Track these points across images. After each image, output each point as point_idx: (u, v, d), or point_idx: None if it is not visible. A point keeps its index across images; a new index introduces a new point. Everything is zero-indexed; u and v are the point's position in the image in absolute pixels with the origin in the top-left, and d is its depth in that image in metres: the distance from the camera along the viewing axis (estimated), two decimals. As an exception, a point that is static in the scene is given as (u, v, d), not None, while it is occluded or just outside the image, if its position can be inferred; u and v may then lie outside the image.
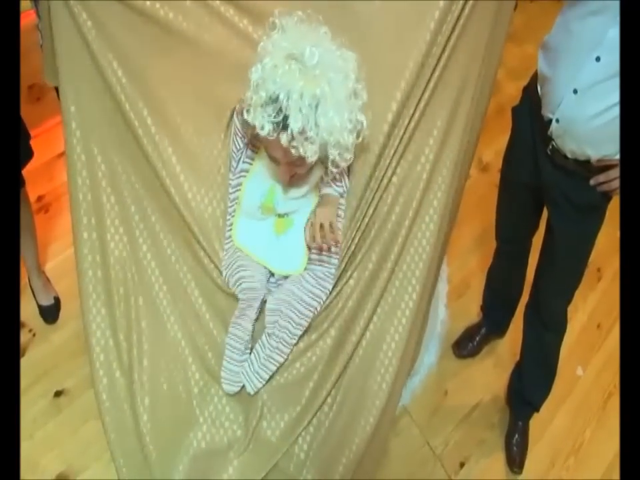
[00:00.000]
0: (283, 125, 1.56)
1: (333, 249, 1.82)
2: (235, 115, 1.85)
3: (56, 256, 3.11)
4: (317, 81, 1.57)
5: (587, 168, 2.04)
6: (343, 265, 1.83)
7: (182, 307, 1.89)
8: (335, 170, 1.73)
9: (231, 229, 1.87)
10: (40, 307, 2.99)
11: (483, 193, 3.52)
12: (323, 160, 1.72)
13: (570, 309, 2.57)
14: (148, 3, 1.76)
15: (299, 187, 1.84)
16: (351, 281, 1.86)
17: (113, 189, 1.89)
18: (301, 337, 1.82)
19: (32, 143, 2.51)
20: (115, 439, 1.84)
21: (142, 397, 1.84)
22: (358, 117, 1.67)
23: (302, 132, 1.56)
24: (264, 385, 1.81)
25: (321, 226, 1.77)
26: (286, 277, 1.87)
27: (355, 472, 1.83)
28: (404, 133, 1.80)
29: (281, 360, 1.81)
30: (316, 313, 1.82)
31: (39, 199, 3.29)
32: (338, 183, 1.83)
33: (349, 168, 1.83)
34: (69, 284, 3.00)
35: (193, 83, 1.87)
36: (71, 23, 1.75)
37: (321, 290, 1.82)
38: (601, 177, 2.03)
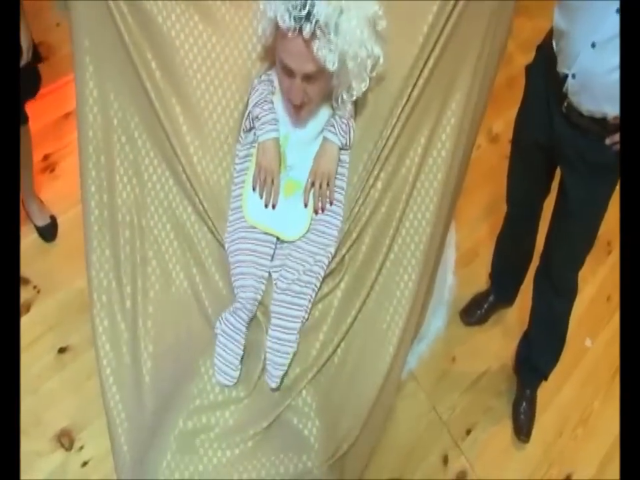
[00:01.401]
0: (307, 17, 1.53)
1: (335, 208, 1.80)
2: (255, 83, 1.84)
3: (61, 214, 3.07)
4: None
5: (602, 126, 2.01)
6: (347, 226, 1.81)
7: (188, 256, 1.87)
8: (345, 103, 1.74)
9: (238, 200, 1.83)
10: (38, 228, 3.03)
11: (493, 164, 3.49)
12: (335, 89, 1.72)
13: (579, 280, 2.56)
14: None
15: (308, 129, 1.82)
16: (355, 244, 1.83)
17: (123, 129, 1.86)
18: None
19: (40, 101, 2.51)
20: (112, 384, 1.83)
21: (146, 343, 1.82)
22: (375, 48, 1.66)
23: (325, 26, 1.54)
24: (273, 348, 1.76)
25: (320, 184, 1.77)
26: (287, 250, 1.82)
27: (360, 431, 1.81)
28: (406, 102, 1.80)
29: (294, 338, 1.75)
30: (320, 278, 1.78)
31: (45, 157, 3.25)
32: (343, 133, 1.79)
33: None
34: (75, 242, 2.98)
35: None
36: None
37: (323, 254, 1.79)
38: (617, 136, 1.99)
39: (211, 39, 1.84)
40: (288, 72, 1.66)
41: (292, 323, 1.75)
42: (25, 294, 2.87)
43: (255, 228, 1.80)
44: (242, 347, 1.75)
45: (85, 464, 2.54)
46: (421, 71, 1.79)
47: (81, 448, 2.57)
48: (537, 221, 2.70)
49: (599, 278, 3.32)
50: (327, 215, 1.81)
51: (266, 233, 1.80)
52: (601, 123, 2.00)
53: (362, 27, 1.61)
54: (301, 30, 1.55)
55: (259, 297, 1.77)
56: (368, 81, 1.73)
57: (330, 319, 1.81)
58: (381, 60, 1.71)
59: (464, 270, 3.21)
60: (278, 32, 1.64)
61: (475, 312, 3.06)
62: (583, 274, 2.57)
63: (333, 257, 1.79)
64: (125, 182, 1.88)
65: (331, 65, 1.59)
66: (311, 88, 1.68)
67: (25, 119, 2.62)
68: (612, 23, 1.80)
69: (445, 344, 3.01)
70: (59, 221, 3.07)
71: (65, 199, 3.10)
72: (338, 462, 1.76)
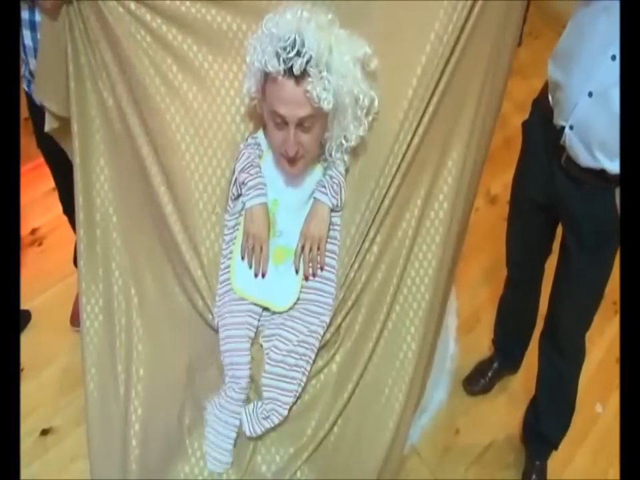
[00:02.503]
0: (296, 55, 1.49)
1: (327, 273, 1.73)
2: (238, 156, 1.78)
3: (47, 289, 2.99)
4: (330, 30, 1.56)
5: (603, 178, 1.93)
6: (342, 294, 1.72)
7: (179, 337, 1.81)
8: (342, 154, 1.70)
9: (226, 272, 1.76)
10: None
11: (492, 226, 3.42)
12: (329, 141, 1.68)
13: (587, 342, 2.44)
14: None
15: (299, 191, 1.75)
16: (351, 312, 1.74)
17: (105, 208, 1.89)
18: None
19: (28, 174, 2.44)
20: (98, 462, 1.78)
21: (134, 423, 1.76)
22: (369, 89, 1.63)
23: (317, 64, 1.49)
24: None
25: (310, 248, 1.70)
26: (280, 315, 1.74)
27: None
28: (401, 159, 1.72)
29: (285, 412, 1.66)
30: (315, 350, 1.69)
31: (33, 231, 3.20)
32: (334, 193, 1.71)
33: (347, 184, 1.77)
34: (60, 320, 2.90)
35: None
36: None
37: (318, 324, 1.70)
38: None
39: (196, 98, 1.79)
40: (280, 122, 1.59)
41: (285, 397, 1.65)
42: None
43: (244, 300, 1.71)
44: (235, 431, 1.66)
45: None
46: (416, 128, 1.72)
47: (64, 536, 2.43)
48: (539, 283, 2.61)
49: (607, 339, 3.19)
50: (319, 281, 1.73)
51: (255, 304, 1.72)
52: (601, 174, 1.92)
53: (354, 63, 1.57)
54: (291, 70, 1.50)
55: (248, 375, 1.67)
56: (366, 125, 1.68)
57: (326, 395, 1.72)
58: (376, 102, 1.66)
59: (466, 337, 3.10)
60: (267, 81, 1.57)
61: (478, 380, 2.93)
62: (590, 335, 2.45)
63: (328, 327, 1.70)
64: (122, 254, 1.88)
65: (326, 103, 1.53)
66: (306, 137, 1.61)
67: None
68: (607, 70, 1.75)
69: (447, 415, 2.87)
70: (44, 297, 2.98)
71: (51, 273, 3.04)
72: None
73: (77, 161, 1.84)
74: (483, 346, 3.04)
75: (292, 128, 1.58)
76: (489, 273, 3.29)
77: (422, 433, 2.77)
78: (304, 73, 1.50)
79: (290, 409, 1.67)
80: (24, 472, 2.54)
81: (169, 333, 1.81)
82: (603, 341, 3.18)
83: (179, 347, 1.79)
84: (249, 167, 1.74)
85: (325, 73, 1.51)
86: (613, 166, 1.88)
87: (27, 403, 2.69)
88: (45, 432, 2.66)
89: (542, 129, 2.09)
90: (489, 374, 2.92)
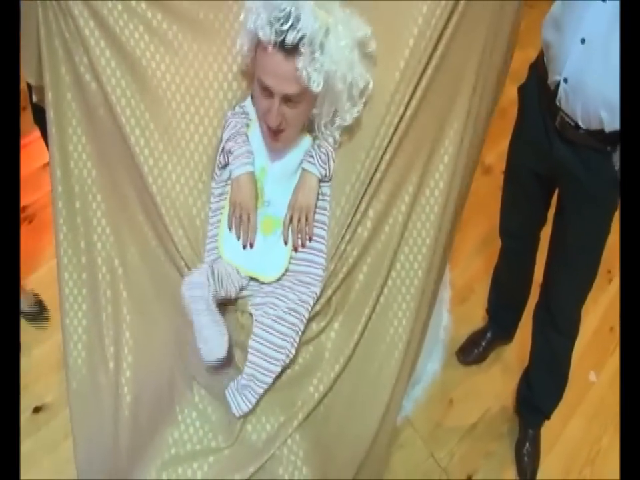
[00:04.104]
0: (290, 30, 1.45)
1: (316, 244, 1.71)
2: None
3: (40, 267, 2.98)
4: (330, 11, 1.52)
5: (600, 139, 1.91)
6: (332, 266, 1.70)
7: (168, 303, 1.78)
8: (332, 132, 1.67)
9: (213, 241, 1.74)
10: (23, 314, 2.85)
11: (486, 196, 3.37)
12: (318, 117, 1.65)
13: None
14: None
15: (287, 160, 1.72)
16: (343, 285, 1.73)
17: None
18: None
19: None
20: (85, 441, 1.80)
21: (125, 394, 1.77)
22: (364, 72, 1.60)
23: (310, 43, 1.45)
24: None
25: (298, 219, 1.68)
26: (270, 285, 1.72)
27: (355, 475, 1.72)
28: (393, 132, 1.71)
29: (269, 380, 1.65)
30: (304, 320, 1.66)
31: (23, 209, 3.18)
32: (322, 163, 1.69)
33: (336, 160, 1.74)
34: (50, 295, 2.89)
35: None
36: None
37: (308, 294, 1.68)
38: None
39: (187, 57, 1.75)
40: (266, 92, 1.56)
41: (271, 364, 1.63)
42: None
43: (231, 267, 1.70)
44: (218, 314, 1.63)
45: (60, 529, 2.40)
46: (408, 100, 1.70)
47: (56, 512, 2.43)
48: (534, 253, 2.60)
49: (601, 308, 3.19)
50: (309, 252, 1.71)
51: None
52: (598, 135, 1.90)
53: (351, 48, 1.53)
54: (282, 44, 1.46)
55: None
56: (360, 106, 1.65)
57: (317, 366, 1.71)
58: (370, 85, 1.64)
59: (459, 308, 3.09)
60: (258, 46, 1.54)
61: (472, 351, 2.92)
62: (584, 305, 2.44)
63: (318, 298, 1.69)
64: (103, 225, 1.84)
65: (315, 85, 1.50)
66: (290, 112, 1.58)
67: None
68: (598, 13, 1.73)
69: (441, 387, 2.87)
70: (38, 275, 2.97)
71: (42, 251, 3.03)
72: None
73: (52, 131, 1.80)
74: (476, 317, 3.03)
75: (277, 101, 1.55)
76: (483, 244, 3.27)
77: (416, 404, 2.78)
78: (295, 49, 1.46)
79: (279, 378, 1.66)
80: (16, 450, 2.56)
81: (156, 303, 1.79)
82: (597, 309, 3.17)
83: (167, 316, 1.78)
84: (235, 136, 1.71)
85: (317, 54, 1.48)
86: (609, 122, 1.85)
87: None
88: (37, 409, 2.66)
89: (538, 92, 2.07)
90: (483, 344, 2.92)
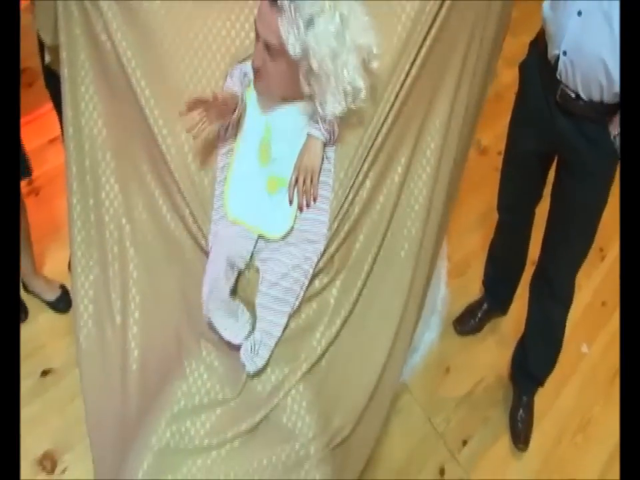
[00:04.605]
0: None
1: (320, 204, 1.77)
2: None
3: (44, 237, 3.03)
4: (348, 8, 1.58)
5: (599, 110, 1.98)
6: (335, 225, 1.77)
7: (175, 263, 1.85)
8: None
9: (220, 198, 1.79)
10: (49, 303, 2.89)
11: (482, 176, 3.47)
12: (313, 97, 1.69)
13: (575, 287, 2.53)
14: None
15: (289, 120, 1.78)
16: (346, 243, 1.80)
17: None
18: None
19: (24, 127, 2.43)
20: (94, 394, 1.86)
21: (133, 342, 1.82)
22: (358, 78, 1.65)
23: (298, 8, 1.51)
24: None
25: (303, 180, 1.73)
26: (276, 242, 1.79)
27: (353, 428, 1.78)
28: (394, 99, 1.78)
29: (279, 333, 1.73)
30: (308, 276, 1.74)
31: (30, 182, 3.22)
32: (327, 128, 1.75)
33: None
34: (58, 264, 2.96)
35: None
36: None
37: (312, 252, 1.75)
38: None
39: (196, 17, 1.82)
40: (257, 36, 1.63)
41: (278, 318, 1.72)
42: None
43: (237, 225, 1.76)
44: (238, 305, 1.73)
45: (68, 487, 2.46)
46: (409, 67, 1.78)
47: (64, 470, 2.50)
48: (530, 229, 2.68)
49: (594, 284, 3.27)
50: (313, 212, 1.77)
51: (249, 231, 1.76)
52: (598, 107, 1.98)
53: (339, 40, 1.58)
54: None
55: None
56: (344, 107, 1.68)
57: (319, 322, 1.78)
58: (362, 94, 1.68)
59: (456, 281, 3.16)
60: None
61: (468, 321, 3.00)
62: (577, 280, 2.53)
63: (322, 256, 1.75)
64: (111, 183, 1.89)
65: (292, 48, 1.56)
66: (271, 64, 1.64)
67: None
68: None
69: (438, 355, 2.94)
70: (42, 246, 3.02)
71: (49, 222, 3.08)
72: (332, 460, 1.71)
73: (65, 89, 1.86)
74: (473, 290, 3.11)
75: (261, 45, 1.62)
76: (479, 221, 3.34)
77: (413, 372, 2.85)
78: (281, 4, 1.53)
79: (284, 333, 1.73)
80: (25, 411, 2.60)
81: (163, 260, 1.85)
82: (590, 284, 3.26)
83: (173, 272, 1.84)
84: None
85: (300, 22, 1.53)
86: (608, 90, 1.92)
87: (26, 346, 2.74)
88: (44, 373, 2.72)
89: (538, 67, 2.14)
90: (479, 315, 2.99)
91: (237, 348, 1.72)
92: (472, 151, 3.63)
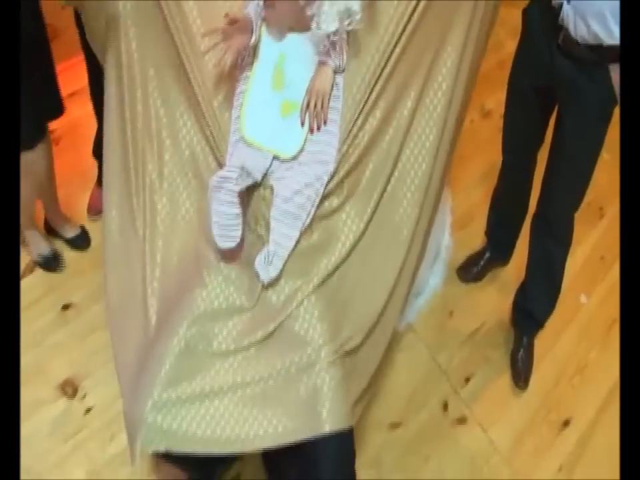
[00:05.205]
0: None
1: (330, 127, 1.87)
2: None
3: (65, 183, 3.11)
4: None
5: (599, 54, 2.07)
6: (345, 148, 1.87)
7: (193, 183, 1.96)
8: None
9: (237, 122, 1.89)
10: (68, 240, 3.00)
11: (486, 137, 3.60)
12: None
13: (574, 242, 2.65)
14: None
15: (301, 48, 1.89)
16: (359, 168, 1.91)
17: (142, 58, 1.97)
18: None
19: None
20: (117, 298, 1.93)
21: (154, 254, 1.92)
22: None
23: None
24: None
25: (315, 104, 1.84)
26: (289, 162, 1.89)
27: (363, 339, 1.89)
28: (402, 31, 1.88)
29: (291, 245, 1.84)
30: (319, 194, 1.85)
31: (51, 132, 3.32)
32: (336, 55, 1.86)
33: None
34: (77, 209, 3.07)
35: None
36: None
37: (323, 171, 1.86)
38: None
39: None
40: None
41: (291, 231, 1.83)
42: (29, 256, 2.93)
43: (253, 146, 1.86)
44: (238, 208, 1.81)
45: (88, 411, 2.57)
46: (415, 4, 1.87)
47: (84, 396, 2.61)
48: (532, 171, 2.76)
49: (593, 240, 3.38)
50: (323, 135, 1.87)
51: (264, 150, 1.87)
52: (598, 50, 2.07)
53: None
54: None
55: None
56: (338, 27, 1.78)
57: (331, 241, 1.89)
58: (358, 17, 1.78)
59: (460, 233, 3.27)
60: None
61: (471, 269, 3.11)
62: (576, 236, 2.65)
63: (332, 177, 1.86)
64: (150, 104, 1.97)
65: None
66: None
67: (44, 136, 2.60)
68: None
69: (442, 300, 3.05)
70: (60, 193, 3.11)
71: (68, 168, 3.16)
72: (341, 366, 1.81)
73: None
74: (476, 242, 3.21)
75: None
76: (482, 178, 3.44)
77: (418, 314, 2.96)
78: None
79: (297, 249, 1.85)
80: (46, 340, 2.73)
81: (183, 177, 1.97)
82: (589, 240, 3.37)
83: (193, 189, 1.95)
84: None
85: None
86: (609, 37, 2.01)
87: (47, 282, 2.87)
88: (65, 307, 2.83)
89: (541, 14, 2.23)
90: (481, 263, 3.10)
91: (251, 262, 1.83)
92: (476, 114, 3.78)
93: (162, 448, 1.72)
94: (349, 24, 1.78)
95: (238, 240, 1.82)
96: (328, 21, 1.76)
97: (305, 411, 1.73)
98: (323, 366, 1.77)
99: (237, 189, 1.79)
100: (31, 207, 2.78)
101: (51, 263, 2.94)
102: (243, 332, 1.80)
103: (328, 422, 1.72)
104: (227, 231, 1.81)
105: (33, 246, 2.91)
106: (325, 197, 1.86)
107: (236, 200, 1.80)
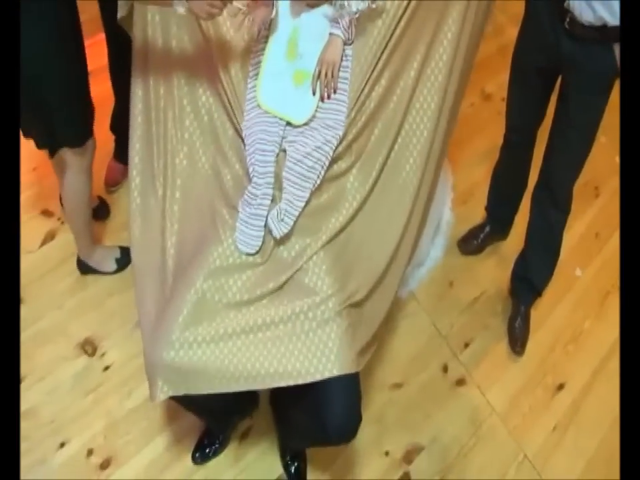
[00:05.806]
0: None
1: (339, 96, 2.00)
2: None
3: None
4: None
5: (604, 33, 2.19)
6: (353, 114, 2.00)
7: (212, 147, 2.09)
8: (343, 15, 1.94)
9: (252, 91, 2.03)
10: None
11: (486, 119, 3.74)
12: None
13: (570, 218, 2.79)
14: None
15: (314, 23, 2.01)
16: (365, 132, 2.04)
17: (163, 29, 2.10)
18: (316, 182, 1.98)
19: None
20: (139, 252, 2.07)
21: (172, 212, 2.06)
22: None
23: None
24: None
25: (325, 73, 1.96)
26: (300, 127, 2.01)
27: (369, 291, 2.02)
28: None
29: (302, 204, 1.96)
30: (328, 157, 1.97)
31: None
32: (346, 27, 1.99)
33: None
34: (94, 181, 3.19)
35: None
36: None
37: (332, 136, 1.98)
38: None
39: None
40: None
41: (301, 192, 1.95)
42: (50, 224, 3.08)
43: (268, 113, 2.00)
44: (263, 220, 1.94)
45: (106, 368, 2.71)
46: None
47: (103, 355, 2.75)
48: (532, 147, 2.89)
49: (588, 217, 3.52)
50: (333, 102, 2.00)
51: (277, 117, 2.00)
52: (602, 30, 2.18)
53: None
54: None
55: (273, 171, 1.96)
56: (366, 5, 1.92)
57: (338, 201, 2.03)
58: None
59: (460, 208, 3.41)
60: None
61: (471, 242, 3.24)
62: (572, 213, 2.79)
63: (341, 141, 1.99)
64: (172, 74, 2.10)
65: None
66: None
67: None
68: None
69: (443, 271, 3.19)
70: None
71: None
72: (347, 316, 1.93)
73: None
74: (476, 217, 3.35)
75: None
76: (483, 157, 3.56)
77: (419, 283, 3.11)
78: None
79: (307, 209, 1.98)
80: (67, 303, 2.87)
81: (202, 141, 2.11)
82: (584, 218, 3.50)
83: (210, 152, 2.09)
84: None
85: None
86: (615, 19, 2.13)
87: (67, 249, 3.00)
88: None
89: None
90: (481, 236, 3.24)
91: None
92: (476, 97, 3.91)
93: (181, 392, 1.87)
94: (373, 1, 1.93)
95: (257, 249, 1.95)
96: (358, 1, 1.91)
97: (313, 355, 1.87)
98: (330, 315, 1.90)
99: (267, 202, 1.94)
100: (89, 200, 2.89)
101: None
102: (256, 284, 1.93)
103: (336, 366, 1.85)
104: (250, 240, 1.95)
105: None
106: (334, 160, 1.99)
107: (263, 212, 1.94)
